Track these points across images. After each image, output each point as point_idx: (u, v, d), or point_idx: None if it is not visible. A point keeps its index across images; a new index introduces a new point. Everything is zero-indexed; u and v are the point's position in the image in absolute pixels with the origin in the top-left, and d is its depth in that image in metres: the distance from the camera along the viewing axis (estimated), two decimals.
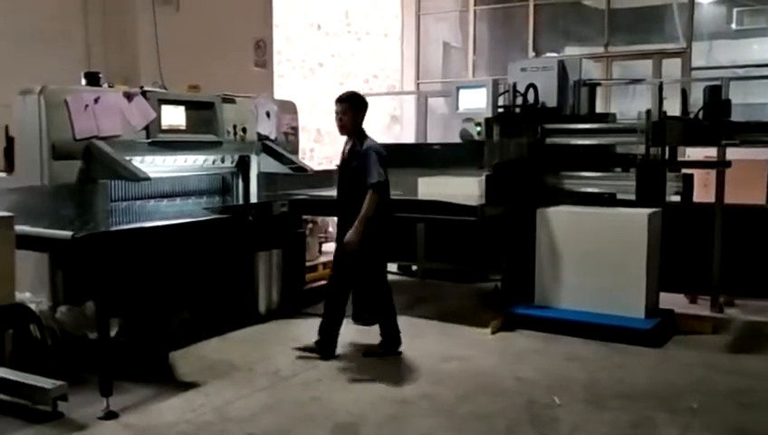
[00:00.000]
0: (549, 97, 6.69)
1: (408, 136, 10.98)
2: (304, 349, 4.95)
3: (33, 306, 4.36)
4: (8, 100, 5.09)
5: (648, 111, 5.58)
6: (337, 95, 5.13)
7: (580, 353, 5.04)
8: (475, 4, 11.51)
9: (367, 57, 12.04)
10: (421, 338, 5.38)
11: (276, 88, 8.98)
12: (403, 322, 5.72)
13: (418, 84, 11.71)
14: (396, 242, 6.45)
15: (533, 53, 10.03)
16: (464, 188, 5.88)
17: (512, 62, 7.17)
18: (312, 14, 11.65)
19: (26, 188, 4.70)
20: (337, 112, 4.97)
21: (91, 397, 3.99)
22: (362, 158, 4.79)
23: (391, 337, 5.03)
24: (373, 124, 11.10)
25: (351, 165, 4.89)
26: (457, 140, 6.95)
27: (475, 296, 6.76)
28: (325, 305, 5.04)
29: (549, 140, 6.12)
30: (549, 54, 8.15)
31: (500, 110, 6.37)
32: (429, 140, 8.50)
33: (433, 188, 6.10)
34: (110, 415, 3.87)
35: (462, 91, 6.12)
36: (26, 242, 3.80)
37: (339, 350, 5.01)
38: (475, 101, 6.08)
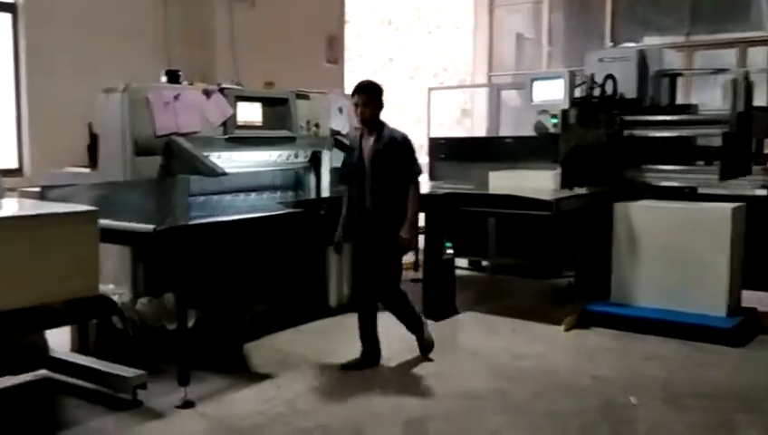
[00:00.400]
0: (628, 88, 6.46)
1: (479, 129, 10.88)
2: (349, 366, 4.66)
3: (115, 298, 4.51)
4: (92, 97, 5.30)
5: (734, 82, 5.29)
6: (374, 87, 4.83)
7: (658, 352, 4.89)
8: None
9: (437, 51, 11.98)
10: (493, 334, 5.32)
11: (347, 83, 9.04)
12: (474, 317, 5.70)
13: (490, 77, 11.57)
14: (466, 236, 6.45)
15: (611, 44, 9.76)
16: (537, 182, 5.77)
17: (589, 53, 6.98)
18: (382, 10, 11.68)
19: (109, 183, 4.87)
20: (356, 104, 4.67)
21: (168, 386, 4.10)
22: (397, 149, 4.52)
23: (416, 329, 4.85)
24: (442, 118, 11.10)
25: (380, 158, 4.54)
26: (531, 132, 6.82)
27: (548, 292, 6.65)
28: (358, 315, 4.79)
29: (627, 132, 5.93)
30: (627, 44, 7.87)
31: (576, 101, 6.20)
32: (502, 134, 8.38)
33: (505, 181, 6.02)
34: (187, 404, 3.98)
35: (536, 83, 5.98)
36: (109, 235, 3.92)
37: (411, 344, 5.00)
38: (551, 92, 5.93)
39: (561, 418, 3.88)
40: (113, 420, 3.81)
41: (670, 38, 10.16)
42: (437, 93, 9.14)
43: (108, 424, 3.76)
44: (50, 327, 4.04)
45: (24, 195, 5.60)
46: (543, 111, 5.78)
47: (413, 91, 11.70)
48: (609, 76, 6.41)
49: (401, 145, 4.56)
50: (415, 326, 4.85)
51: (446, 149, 7.56)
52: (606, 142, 5.84)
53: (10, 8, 6.49)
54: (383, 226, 4.50)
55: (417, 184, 4.56)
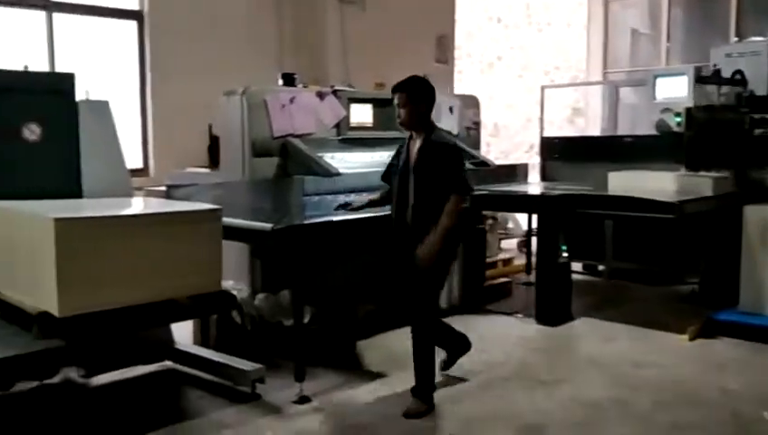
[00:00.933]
0: (757, 84, 6.08)
1: (593, 129, 10.54)
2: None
3: (234, 293, 4.65)
4: (212, 101, 5.50)
5: None
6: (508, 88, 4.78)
7: None
8: None
9: (548, 48, 11.72)
10: (612, 342, 5.12)
11: (456, 84, 8.99)
12: (591, 324, 5.51)
13: (606, 74, 11.17)
14: (581, 239, 6.23)
15: (736, 38, 9.21)
16: (659, 184, 5.51)
17: (714, 48, 6.62)
18: (492, 8, 11.55)
19: (229, 182, 5.03)
20: (396, 104, 4.08)
21: (284, 381, 4.19)
22: (442, 156, 3.94)
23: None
24: (553, 117, 10.84)
25: (423, 165, 3.97)
26: (650, 131, 6.53)
27: (669, 299, 6.33)
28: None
29: (758, 132, 5.56)
30: (755, 38, 7.41)
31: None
32: (619, 133, 8.06)
33: (625, 182, 5.78)
34: (303, 399, 4.04)
35: (660, 80, 5.70)
36: (229, 233, 4.03)
37: (526, 349, 4.90)
38: (674, 89, 5.64)
39: (685, 430, 3.68)
40: (233, 413, 3.92)
41: None
42: (549, 92, 8.92)
43: (228, 416, 3.87)
44: (175, 321, 4.20)
45: (149, 194, 5.88)
46: (666, 110, 5.50)
47: (522, 91, 11.50)
48: (738, 72, 6.06)
49: (447, 152, 3.94)
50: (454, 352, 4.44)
51: (559, 149, 7.32)
52: (734, 149, 5.51)
53: (136, 16, 6.84)
54: (420, 241, 3.91)
55: (458, 197, 3.86)
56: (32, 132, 3.86)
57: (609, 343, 5.10)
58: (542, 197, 5.92)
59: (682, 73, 5.67)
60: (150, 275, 3.43)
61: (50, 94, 3.94)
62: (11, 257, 3.53)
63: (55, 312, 3.15)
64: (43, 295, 3.23)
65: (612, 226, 6.77)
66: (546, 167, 7.19)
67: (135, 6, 6.84)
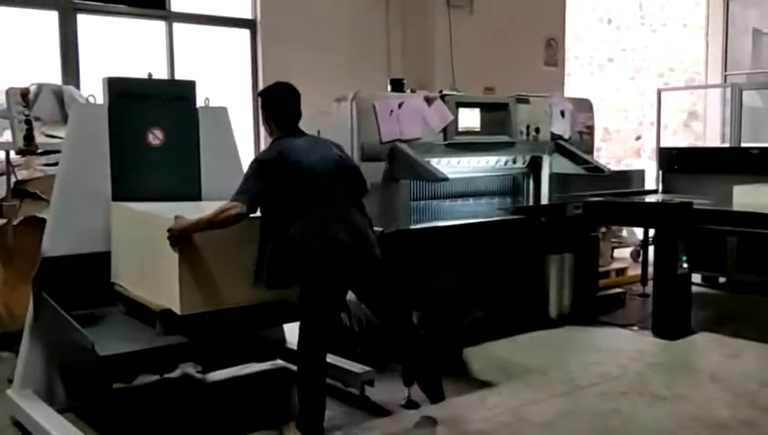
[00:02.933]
0: None
1: (711, 134, 10.04)
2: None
3: None
4: (322, 107, 5.58)
5: None
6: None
7: None
8: None
9: (662, 49, 11.27)
10: (735, 358, 4.82)
11: (566, 87, 8.78)
12: (712, 339, 5.23)
13: (726, 76, 10.62)
14: (700, 249, 5.92)
15: None
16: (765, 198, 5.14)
17: None
18: (601, 9, 11.24)
19: None
20: None
21: (392, 385, 4.17)
22: None
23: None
24: (667, 121, 10.40)
25: None
26: None
27: None
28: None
29: None
30: None
31: None
32: (744, 140, 7.59)
33: (751, 197, 5.42)
34: (412, 404, 4.01)
35: None
36: None
37: (643, 363, 4.70)
38: None
39: None
40: (342, 413, 3.94)
41: None
42: (663, 96, 8.55)
43: (338, 416, 3.89)
44: (288, 321, 4.28)
45: None
46: None
47: (635, 94, 11.11)
48: None
49: None
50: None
51: (678, 160, 6.93)
52: None
53: (249, 24, 7.07)
54: None
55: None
56: (155, 137, 4.03)
57: (732, 359, 4.80)
58: (660, 205, 5.66)
59: None
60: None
61: (172, 101, 4.10)
62: (136, 257, 3.70)
63: (177, 310, 3.28)
64: (166, 294, 3.37)
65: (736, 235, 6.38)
66: (665, 178, 6.83)
67: (248, 15, 7.08)
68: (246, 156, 4.38)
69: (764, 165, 6.02)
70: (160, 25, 6.63)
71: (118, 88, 3.90)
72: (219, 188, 4.19)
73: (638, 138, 11.08)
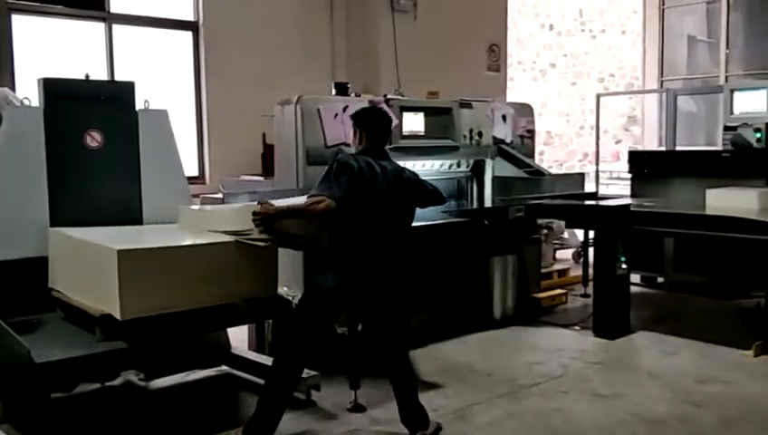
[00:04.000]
0: None
1: (650, 138, 10.33)
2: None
3: (289, 299, 4.66)
4: (265, 110, 5.54)
5: None
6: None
7: None
8: None
9: (602, 55, 11.56)
10: (673, 356, 4.97)
11: (509, 91, 8.91)
12: (650, 337, 5.38)
13: (662, 82, 10.95)
14: (639, 250, 6.07)
15: None
16: (738, 202, 5.25)
17: None
18: (543, 15, 11.46)
19: (284, 190, 5.05)
20: None
21: (339, 389, 4.17)
22: None
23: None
24: (608, 125, 10.64)
25: None
26: (713, 143, 6.33)
27: (733, 314, 6.13)
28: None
29: None
30: None
31: None
32: (679, 144, 7.79)
33: (723, 202, 5.48)
34: (358, 408, 4.02)
35: (738, 94, 5.42)
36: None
37: (584, 362, 4.80)
38: (753, 103, 5.35)
39: None
40: (288, 418, 3.88)
41: None
42: (603, 100, 8.76)
43: (283, 422, 3.81)
44: (232, 325, 4.25)
45: (205, 201, 5.96)
46: (745, 125, 5.27)
47: (576, 98, 11.35)
48: None
49: None
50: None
51: (649, 164, 6.69)
52: None
53: (191, 27, 6.97)
54: None
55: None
56: (93, 139, 3.94)
57: (669, 357, 4.95)
58: (599, 208, 5.80)
59: (761, 87, 5.38)
60: (208, 282, 3.48)
61: (111, 102, 4.02)
62: (77, 265, 3.60)
63: (117, 315, 3.21)
64: (105, 299, 3.29)
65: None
66: (636, 182, 6.68)
67: (191, 17, 6.97)
68: (188, 159, 4.35)
69: (736, 168, 5.95)
70: (99, 27, 6.47)
71: (54, 89, 3.82)
72: (160, 191, 4.15)
73: (618, 141, 11.26)
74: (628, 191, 6.88)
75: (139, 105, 4.15)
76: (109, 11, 6.47)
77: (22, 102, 3.92)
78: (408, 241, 3.79)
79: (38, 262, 3.74)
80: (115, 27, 6.50)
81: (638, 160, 6.70)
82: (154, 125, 4.19)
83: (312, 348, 3.63)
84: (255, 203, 3.58)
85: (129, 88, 4.12)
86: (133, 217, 4.06)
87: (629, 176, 6.78)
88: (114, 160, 4.01)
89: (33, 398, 3.80)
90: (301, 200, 3.59)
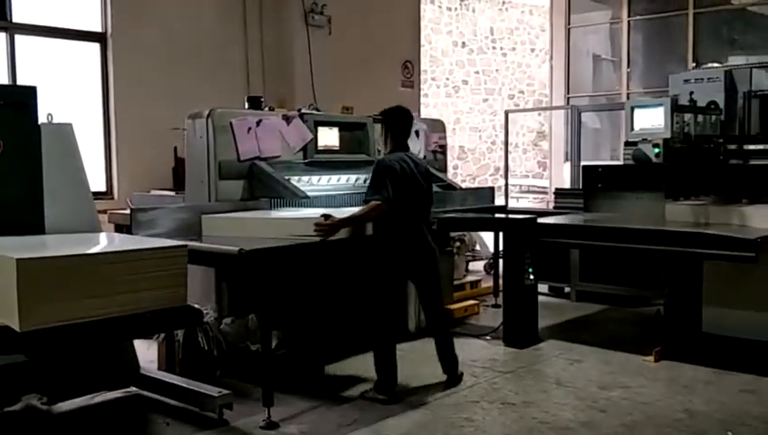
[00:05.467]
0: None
1: (557, 153, 10.70)
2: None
3: (199, 308, 4.56)
4: (176, 123, 5.45)
5: None
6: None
7: (757, 386, 4.63)
8: (628, 15, 11.06)
9: (512, 72, 11.92)
10: (578, 363, 5.16)
11: (421, 107, 9.07)
12: (557, 346, 5.56)
13: (568, 99, 11.39)
14: (547, 262, 6.27)
15: (693, 64, 9.48)
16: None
17: (673, 74, 6.78)
18: (456, 33, 11.72)
19: (195, 205, 4.97)
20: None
21: (252, 407, 4.13)
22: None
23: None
24: (518, 141, 10.99)
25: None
26: (616, 157, 6.62)
27: (635, 321, 6.41)
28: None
29: (733, 162, 5.62)
30: (711, 65, 7.63)
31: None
32: (584, 158, 8.10)
33: (683, 217, 5.51)
34: (271, 425, 3.97)
35: (638, 111, 5.65)
36: (196, 257, 3.97)
37: (494, 371, 4.93)
38: (652, 119, 5.60)
39: None
40: None
41: (757, 58, 9.80)
42: (513, 116, 9.05)
43: None
44: (139, 336, 4.22)
45: (113, 217, 5.80)
46: (644, 140, 5.53)
47: (488, 114, 11.65)
48: (713, 102, 6.20)
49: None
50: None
51: (602, 178, 6.46)
52: (712, 179, 5.56)
53: (99, 38, 6.78)
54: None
55: (367, 202, 4.35)
56: None
57: (576, 364, 5.13)
58: (507, 220, 5.98)
59: (659, 104, 5.64)
60: (114, 292, 3.37)
61: (10, 108, 3.85)
62: None
63: (16, 326, 3.07)
64: (3, 310, 3.14)
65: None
66: (589, 197, 6.50)
67: (98, 28, 6.79)
68: (96, 173, 4.21)
69: (691, 182, 5.80)
70: (0, 37, 6.21)
71: None
72: (64, 207, 4.00)
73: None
74: (538, 205, 7.08)
75: (42, 116, 3.99)
76: (11, 20, 6.23)
77: None
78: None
79: None
80: (18, 37, 6.26)
81: (591, 175, 6.60)
82: (58, 139, 4.05)
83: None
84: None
85: (30, 92, 3.94)
86: (35, 227, 3.88)
87: (549, 189, 6.89)
88: (14, 167, 3.81)
89: None
90: (353, 209, 4.47)
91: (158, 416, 4.15)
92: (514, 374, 4.96)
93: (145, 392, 4.41)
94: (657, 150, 5.44)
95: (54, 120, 4.09)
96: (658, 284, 6.02)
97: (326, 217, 4.26)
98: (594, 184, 6.48)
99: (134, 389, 4.45)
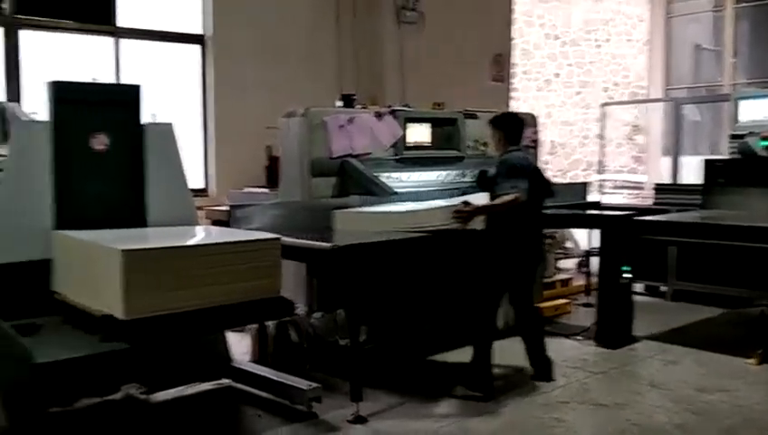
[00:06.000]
0: None
1: (654, 148, 10.32)
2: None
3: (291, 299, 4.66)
4: (270, 122, 5.60)
5: None
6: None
7: None
8: (734, 3, 10.51)
9: (607, 64, 11.57)
10: (674, 365, 4.99)
11: (513, 102, 8.94)
12: (653, 347, 5.39)
13: (667, 91, 10.95)
14: (643, 260, 6.06)
15: None
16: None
17: None
18: (549, 25, 11.48)
19: (288, 202, 5.10)
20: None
21: (340, 400, 4.19)
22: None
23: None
24: (612, 135, 10.64)
25: None
26: (717, 151, 6.31)
27: (735, 322, 6.13)
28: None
29: None
30: None
31: None
32: (684, 153, 7.75)
33: None
34: (359, 419, 4.03)
35: (743, 102, 5.38)
36: (288, 252, 4.06)
37: (586, 372, 4.83)
38: (760, 112, 5.30)
39: None
40: (289, 431, 3.95)
41: None
42: (608, 109, 8.78)
43: (285, 433, 3.90)
44: (236, 325, 4.42)
45: (210, 213, 6.02)
46: (751, 133, 5.26)
47: (580, 108, 11.36)
48: None
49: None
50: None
51: (724, 173, 6.20)
52: None
53: (199, 40, 7.05)
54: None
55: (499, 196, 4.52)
56: (99, 142, 3.95)
57: (671, 366, 4.96)
58: (603, 217, 5.82)
59: (767, 96, 5.33)
60: (212, 282, 3.48)
61: (117, 105, 4.01)
62: (80, 266, 3.63)
63: (120, 314, 3.22)
64: (108, 299, 3.30)
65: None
66: (710, 192, 6.30)
67: (198, 31, 7.06)
68: (193, 171, 4.38)
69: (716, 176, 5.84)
70: (108, 41, 6.56)
71: (61, 92, 3.82)
72: (165, 206, 4.17)
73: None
74: (633, 201, 6.85)
75: (146, 113, 4.15)
76: (116, 25, 6.57)
77: (29, 117, 3.98)
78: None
79: (41, 265, 3.75)
80: (122, 41, 6.59)
81: (712, 169, 6.28)
82: (160, 138, 4.23)
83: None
84: (459, 203, 4.51)
85: (134, 91, 4.10)
86: (137, 220, 4.05)
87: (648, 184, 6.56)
88: (119, 163, 4.00)
89: (32, 411, 3.84)
90: (483, 200, 4.63)
91: (250, 408, 4.28)
92: (606, 375, 4.84)
93: (237, 384, 4.56)
94: (764, 143, 5.17)
95: (157, 120, 4.28)
96: (762, 283, 5.72)
97: (466, 203, 4.47)
98: (715, 179, 6.18)
99: (226, 380, 4.59)
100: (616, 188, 9.25)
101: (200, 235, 4.19)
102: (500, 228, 4.53)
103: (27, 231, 3.75)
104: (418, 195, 5.83)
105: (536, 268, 4.87)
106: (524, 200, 4.40)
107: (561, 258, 7.71)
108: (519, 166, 4.55)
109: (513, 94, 8.97)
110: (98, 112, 3.94)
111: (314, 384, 4.15)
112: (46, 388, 3.79)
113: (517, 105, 9.30)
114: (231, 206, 4.91)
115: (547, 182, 4.82)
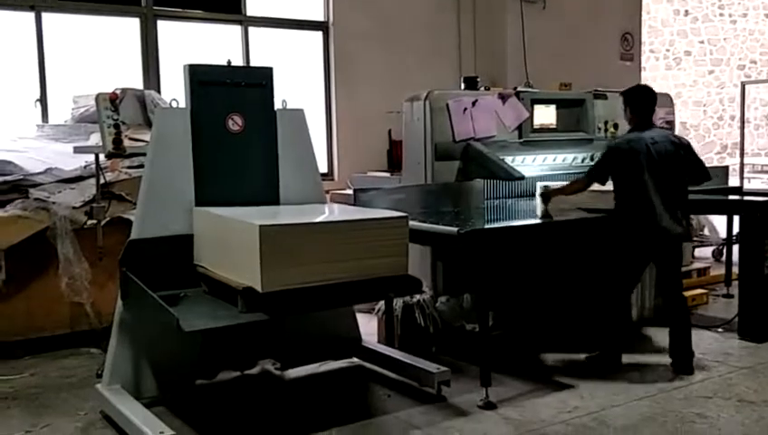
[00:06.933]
0: None
1: None
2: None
3: (416, 297, 4.68)
4: (391, 107, 5.59)
5: None
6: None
7: None
8: None
9: (743, 41, 10.85)
10: None
11: (643, 81, 8.54)
12: None
13: None
14: None
15: None
16: None
17: None
18: (678, 1, 10.91)
19: (412, 186, 5.08)
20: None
21: (468, 384, 4.16)
22: None
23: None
24: (752, 114, 9.96)
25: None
26: None
27: None
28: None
29: None
30: None
31: None
32: None
33: None
34: (489, 405, 3.97)
35: None
36: (414, 236, 4.04)
37: (729, 366, 4.57)
38: None
39: None
40: (420, 412, 3.94)
41: None
42: (747, 88, 8.22)
43: (415, 416, 3.90)
44: (366, 300, 4.59)
45: (334, 197, 6.12)
46: None
47: (713, 87, 10.74)
48: None
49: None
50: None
51: None
52: None
53: (321, 27, 7.15)
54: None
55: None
56: (235, 123, 4.08)
57: None
58: (745, 202, 5.45)
59: None
60: (343, 259, 3.58)
61: (251, 87, 4.13)
62: (220, 241, 3.78)
63: (258, 287, 3.35)
64: (247, 272, 3.44)
65: None
66: None
67: (320, 17, 7.16)
68: (318, 156, 4.45)
69: None
70: (236, 29, 6.78)
71: (198, 75, 3.97)
72: (297, 188, 4.26)
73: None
74: None
75: (277, 96, 4.22)
76: (245, 14, 6.77)
77: (170, 104, 4.15)
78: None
79: (184, 239, 3.92)
80: (251, 29, 6.79)
81: None
82: (291, 123, 4.31)
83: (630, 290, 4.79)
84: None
85: (267, 73, 4.19)
86: (271, 199, 4.17)
87: None
88: (254, 143, 4.12)
89: (180, 383, 4.03)
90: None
91: (379, 387, 4.32)
92: (752, 370, 4.53)
93: (366, 364, 4.62)
94: None
95: (288, 106, 4.36)
96: None
97: (546, 187, 4.54)
98: None
99: (356, 360, 4.66)
100: (755, 172, 8.66)
101: (332, 213, 4.27)
102: (618, 215, 4.48)
103: (173, 208, 3.94)
104: (545, 179, 5.68)
105: (669, 254, 4.53)
106: (583, 185, 4.52)
107: (697, 246, 7.30)
108: (611, 151, 4.49)
109: (643, 73, 8.57)
110: (233, 94, 4.06)
111: (443, 368, 4.14)
112: (192, 358, 3.97)
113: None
114: (355, 189, 4.95)
115: (694, 163, 4.58)
